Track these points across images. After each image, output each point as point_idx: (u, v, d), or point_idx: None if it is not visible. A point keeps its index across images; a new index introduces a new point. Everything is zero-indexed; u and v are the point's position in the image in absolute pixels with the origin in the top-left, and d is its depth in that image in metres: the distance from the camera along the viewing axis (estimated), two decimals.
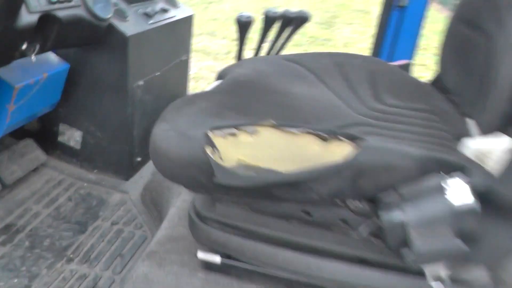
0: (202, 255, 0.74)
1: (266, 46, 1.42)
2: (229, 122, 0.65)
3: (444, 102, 0.90)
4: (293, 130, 0.64)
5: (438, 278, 0.58)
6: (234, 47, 2.55)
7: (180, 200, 1.01)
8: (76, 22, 1.02)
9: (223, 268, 0.77)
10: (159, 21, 1.36)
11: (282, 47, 1.39)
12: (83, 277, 1.04)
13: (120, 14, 1.21)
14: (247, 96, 0.77)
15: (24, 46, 0.93)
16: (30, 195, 1.28)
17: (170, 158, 0.63)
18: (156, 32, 1.33)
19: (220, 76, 0.91)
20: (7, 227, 1.16)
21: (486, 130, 0.64)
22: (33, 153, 1.34)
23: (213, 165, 0.60)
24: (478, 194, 0.54)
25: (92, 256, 1.10)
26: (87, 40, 1.15)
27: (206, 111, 0.70)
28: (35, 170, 1.36)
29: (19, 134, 1.38)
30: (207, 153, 0.60)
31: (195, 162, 0.61)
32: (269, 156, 0.61)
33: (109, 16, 1.11)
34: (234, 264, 0.74)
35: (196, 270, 0.80)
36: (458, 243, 0.53)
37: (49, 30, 0.97)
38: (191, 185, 0.66)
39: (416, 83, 1.00)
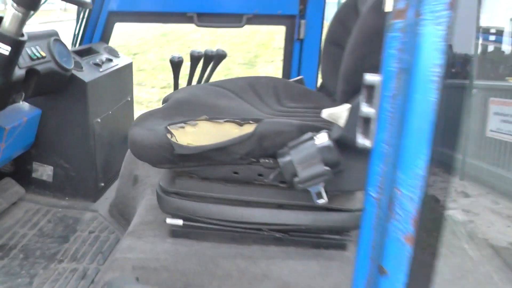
0: (169, 220, 1.06)
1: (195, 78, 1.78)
2: (179, 120, 1.00)
3: (329, 102, 1.29)
4: (219, 120, 1.00)
5: (320, 196, 0.93)
6: (164, 94, 2.88)
7: (145, 200, 1.32)
8: (49, 73, 1.33)
9: (185, 233, 1.09)
10: (107, 69, 1.69)
11: (208, 77, 1.76)
12: (74, 270, 1.31)
13: (77, 65, 1.53)
14: (187, 109, 1.12)
15: (14, 95, 1.23)
16: (15, 222, 1.53)
17: (144, 145, 0.97)
18: (106, 77, 1.66)
19: (165, 100, 1.26)
20: (1, 247, 1.40)
21: (340, 103, 1.01)
22: (13, 188, 1.60)
23: (172, 143, 0.94)
24: (335, 139, 0.90)
25: (78, 256, 1.37)
26: (56, 88, 1.46)
27: (162, 117, 1.05)
28: (15, 203, 1.62)
29: None
30: (168, 138, 0.95)
31: (161, 144, 0.95)
32: (205, 137, 0.96)
33: (71, 67, 1.44)
34: (193, 224, 1.06)
35: (165, 237, 1.11)
36: (324, 168, 0.88)
37: (31, 81, 1.27)
38: (159, 161, 0.99)
39: (307, 91, 1.39)
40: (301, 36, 1.93)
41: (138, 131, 1.01)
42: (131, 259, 1.02)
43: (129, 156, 1.49)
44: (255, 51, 6.79)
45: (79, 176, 1.65)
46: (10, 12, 1.08)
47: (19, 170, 1.67)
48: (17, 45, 1.10)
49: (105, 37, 1.87)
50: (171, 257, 1.01)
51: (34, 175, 1.66)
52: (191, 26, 1.92)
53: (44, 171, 1.66)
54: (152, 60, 6.30)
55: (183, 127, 0.98)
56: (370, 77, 0.49)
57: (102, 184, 1.70)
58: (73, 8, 1.77)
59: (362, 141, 0.51)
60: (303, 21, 1.84)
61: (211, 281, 0.96)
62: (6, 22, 1.08)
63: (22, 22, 1.09)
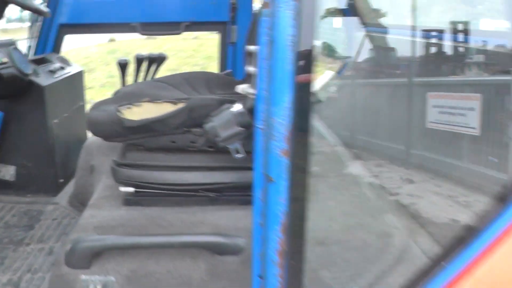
0: (122, 188, 1.27)
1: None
2: (126, 103, 1.22)
3: None
4: (159, 101, 1.23)
5: (237, 152, 1.15)
6: None
7: (102, 182, 1.51)
8: (10, 78, 1.51)
9: (137, 201, 1.30)
10: (60, 76, 1.88)
11: (152, 77, 2.00)
12: (42, 249, 1.48)
13: (34, 72, 1.72)
14: (132, 97, 1.34)
15: None
16: None
17: (98, 122, 1.19)
18: (60, 83, 1.85)
19: (114, 93, 1.47)
20: None
21: None
22: None
23: (121, 118, 1.17)
24: (248, 108, 1.13)
25: (44, 238, 1.54)
26: (16, 91, 1.63)
27: (113, 103, 1.27)
28: None
29: None
30: (118, 115, 1.17)
31: (112, 120, 1.18)
32: (147, 114, 1.19)
33: (30, 71, 1.62)
34: (143, 191, 1.27)
35: (120, 206, 1.31)
36: (239, 129, 1.11)
37: None
38: (111, 135, 1.21)
39: (234, 81, 1.64)
40: (233, 40, 2.19)
41: (94, 112, 1.25)
42: (92, 222, 1.22)
43: (85, 149, 1.68)
44: (202, 63, 7.00)
45: (40, 174, 1.82)
46: None
47: None
48: None
49: (57, 48, 2.06)
50: (125, 218, 1.22)
51: None
52: (139, 43, 2.13)
53: (7, 172, 1.82)
54: (99, 78, 6.42)
55: (130, 107, 1.21)
56: (252, 47, 0.74)
57: (62, 180, 1.87)
58: (13, 29, 1.96)
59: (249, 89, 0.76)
60: (234, 27, 2.10)
61: (157, 229, 1.18)
62: None
63: None
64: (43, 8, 1.55)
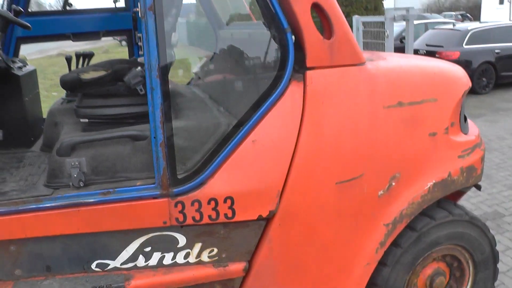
0: (82, 120, 2.33)
1: None
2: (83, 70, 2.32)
3: None
4: (99, 70, 2.33)
5: (142, 90, 2.27)
6: None
7: (65, 127, 2.55)
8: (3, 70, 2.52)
9: (90, 128, 2.36)
10: (26, 71, 2.88)
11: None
12: (33, 168, 2.50)
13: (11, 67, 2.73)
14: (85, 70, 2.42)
15: None
16: None
17: (68, 80, 2.26)
18: (27, 75, 2.85)
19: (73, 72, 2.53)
20: None
21: None
22: None
23: (81, 78, 2.26)
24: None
25: (32, 162, 2.56)
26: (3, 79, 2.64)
27: (74, 73, 2.35)
28: None
29: None
30: (80, 76, 2.26)
31: (76, 79, 2.26)
32: (93, 76, 2.29)
33: (13, 66, 2.64)
34: (92, 120, 2.34)
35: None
36: (140, 78, 2.22)
37: None
38: (75, 88, 2.29)
39: (137, 59, 2.75)
40: (138, 42, 3.30)
41: (66, 76, 2.30)
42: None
43: (49, 113, 2.70)
44: None
45: (19, 134, 2.81)
46: None
47: None
48: None
49: (16, 53, 3.06)
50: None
51: None
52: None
53: None
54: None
55: (84, 73, 2.29)
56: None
57: (33, 139, 2.88)
58: None
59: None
60: (136, 32, 3.21)
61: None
62: None
63: None
64: (25, 23, 2.56)
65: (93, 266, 2.00)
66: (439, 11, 35.32)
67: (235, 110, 2.17)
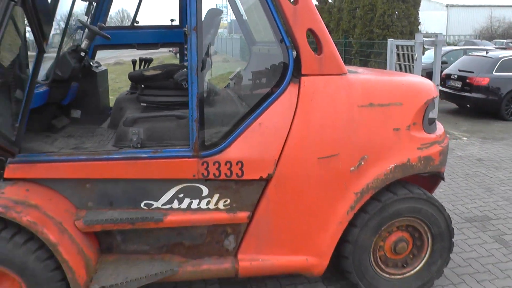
0: (142, 104, 3.22)
1: None
2: (145, 70, 3.22)
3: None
4: (156, 70, 3.22)
5: (185, 85, 3.11)
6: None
7: (127, 113, 3.45)
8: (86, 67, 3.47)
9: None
10: (100, 69, 3.83)
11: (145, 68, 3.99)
12: (98, 142, 3.41)
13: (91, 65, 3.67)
14: (148, 69, 3.31)
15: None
16: None
17: (135, 76, 3.17)
18: (101, 72, 3.80)
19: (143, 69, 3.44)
20: None
21: None
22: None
23: (144, 74, 3.15)
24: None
25: (103, 132, 3.47)
26: (85, 74, 3.58)
27: (141, 71, 3.26)
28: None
29: None
30: (143, 73, 3.16)
31: (141, 74, 3.16)
32: (152, 73, 3.19)
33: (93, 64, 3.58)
34: (151, 105, 3.22)
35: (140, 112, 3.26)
36: (184, 76, 3.09)
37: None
38: (139, 81, 3.18)
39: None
40: (185, 51, 4.19)
41: (133, 73, 3.21)
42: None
43: (116, 101, 3.61)
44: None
45: (93, 115, 3.73)
46: None
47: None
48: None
49: (93, 57, 4.02)
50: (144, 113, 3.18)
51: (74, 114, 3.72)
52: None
53: (76, 113, 3.72)
54: None
55: (146, 72, 3.18)
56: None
57: (102, 119, 3.80)
58: None
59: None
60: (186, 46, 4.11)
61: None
62: None
63: None
64: (106, 34, 3.51)
65: (142, 204, 2.86)
66: (491, 38, 35.06)
67: (250, 102, 2.99)
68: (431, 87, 3.17)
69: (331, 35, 8.20)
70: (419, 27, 10.48)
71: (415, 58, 8.27)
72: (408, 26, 10.42)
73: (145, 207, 2.86)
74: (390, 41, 9.61)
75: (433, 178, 3.43)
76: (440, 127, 3.35)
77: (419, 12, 11.09)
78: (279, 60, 2.87)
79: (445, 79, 10.86)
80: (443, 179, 3.34)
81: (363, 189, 2.90)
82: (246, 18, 4.06)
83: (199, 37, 2.66)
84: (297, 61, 2.80)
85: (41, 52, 2.78)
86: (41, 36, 2.68)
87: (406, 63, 9.00)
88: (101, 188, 2.83)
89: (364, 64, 11.24)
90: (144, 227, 2.82)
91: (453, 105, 11.47)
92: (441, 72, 10.81)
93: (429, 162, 3.04)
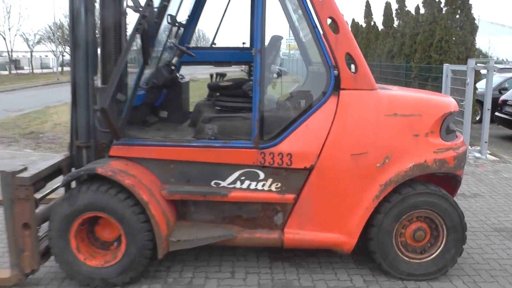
0: (217, 107, 4.14)
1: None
2: (221, 80, 4.15)
3: None
4: (228, 80, 4.14)
5: (250, 95, 3.98)
6: None
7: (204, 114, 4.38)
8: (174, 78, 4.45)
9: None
10: (184, 80, 4.81)
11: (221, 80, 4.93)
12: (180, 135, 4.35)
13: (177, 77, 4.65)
14: (224, 80, 4.24)
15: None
16: None
17: (212, 85, 4.11)
18: (184, 83, 4.78)
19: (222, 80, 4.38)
20: None
21: None
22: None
23: (219, 84, 4.08)
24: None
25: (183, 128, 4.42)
26: (172, 83, 4.55)
27: (218, 82, 4.19)
28: None
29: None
30: (219, 83, 4.09)
31: (216, 84, 4.10)
32: (226, 84, 4.11)
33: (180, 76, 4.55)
34: (225, 108, 4.13)
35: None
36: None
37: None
38: (215, 89, 4.12)
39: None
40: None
41: (211, 83, 4.14)
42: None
43: (196, 106, 4.56)
44: None
45: (176, 114, 4.70)
46: None
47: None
48: None
49: (178, 71, 5.00)
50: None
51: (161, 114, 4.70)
52: None
53: (163, 113, 4.69)
54: None
55: (221, 82, 4.10)
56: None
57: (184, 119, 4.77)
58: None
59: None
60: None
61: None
62: None
63: None
64: (191, 53, 4.48)
65: (212, 183, 3.74)
66: None
67: (301, 108, 3.81)
68: (450, 104, 3.85)
69: (393, 59, 9.29)
70: (490, 53, 10.85)
71: (467, 82, 8.75)
72: (464, 51, 10.84)
73: (214, 185, 3.74)
74: (445, 66, 10.11)
75: (453, 182, 4.07)
76: (459, 137, 4.01)
77: (492, 38, 11.42)
78: (325, 77, 3.68)
79: (502, 105, 11.14)
80: (460, 181, 3.98)
81: (387, 182, 3.62)
82: (304, 41, 4.90)
83: (262, 58, 3.54)
84: (338, 78, 3.60)
85: (145, 65, 3.76)
86: (147, 53, 3.66)
87: (460, 87, 9.44)
88: (181, 168, 3.75)
89: (422, 87, 11.73)
90: (212, 199, 3.70)
91: (510, 131, 11.68)
92: (499, 98, 11.14)
93: (444, 164, 3.71)
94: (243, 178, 3.70)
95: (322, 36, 3.56)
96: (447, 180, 3.99)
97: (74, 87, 3.80)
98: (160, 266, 4.04)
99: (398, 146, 3.63)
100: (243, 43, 5.15)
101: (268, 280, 3.83)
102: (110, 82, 3.48)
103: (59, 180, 3.88)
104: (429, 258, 3.87)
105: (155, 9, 3.74)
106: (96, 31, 3.91)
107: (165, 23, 4.15)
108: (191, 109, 4.77)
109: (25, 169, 3.62)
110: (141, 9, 3.41)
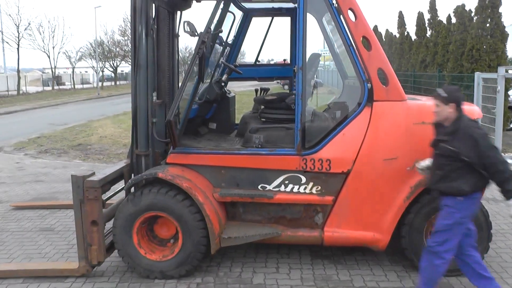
0: (262, 119, 4.62)
1: None
2: (267, 94, 4.64)
3: None
4: (271, 95, 4.62)
5: (293, 107, 4.44)
6: None
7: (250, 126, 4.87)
8: (223, 93, 4.96)
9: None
10: (231, 95, 5.32)
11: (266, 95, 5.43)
12: (230, 144, 4.84)
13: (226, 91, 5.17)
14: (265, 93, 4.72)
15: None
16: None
17: (258, 99, 4.61)
18: (232, 97, 5.29)
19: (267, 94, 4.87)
20: None
21: None
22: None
23: (263, 98, 4.57)
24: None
25: (230, 139, 4.91)
26: (221, 97, 5.07)
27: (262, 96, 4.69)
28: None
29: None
30: (265, 97, 4.58)
31: (261, 98, 4.59)
32: (270, 97, 4.60)
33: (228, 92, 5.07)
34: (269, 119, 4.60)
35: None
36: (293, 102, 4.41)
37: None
38: (261, 103, 4.60)
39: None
40: (293, 84, 5.56)
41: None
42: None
43: (242, 118, 5.04)
44: None
45: (224, 126, 5.21)
46: None
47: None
48: None
49: (226, 86, 5.52)
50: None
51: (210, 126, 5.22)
52: None
53: (212, 125, 5.19)
54: None
55: (267, 95, 4.58)
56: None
57: (231, 131, 5.27)
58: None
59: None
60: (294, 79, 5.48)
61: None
62: None
63: None
64: (239, 70, 4.98)
65: (259, 186, 4.21)
66: None
67: (338, 119, 4.24)
68: (473, 111, 4.20)
69: (427, 69, 9.56)
70: None
71: (497, 90, 8.98)
72: (495, 59, 11.02)
73: (261, 189, 4.21)
74: (477, 75, 10.31)
75: None
76: None
77: None
78: (359, 90, 4.11)
79: None
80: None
81: (416, 184, 4.00)
82: (340, 57, 5.34)
83: (303, 74, 4.00)
84: (371, 91, 4.02)
85: (199, 82, 4.28)
86: (202, 73, 4.18)
87: (492, 95, 9.64)
88: (231, 174, 4.23)
89: None
90: (260, 201, 4.16)
91: None
92: None
93: None
94: (287, 182, 4.14)
95: (356, 53, 3.99)
96: None
97: (135, 102, 4.32)
98: (211, 262, 4.51)
99: (426, 151, 4.00)
100: (284, 60, 5.65)
101: (309, 275, 4.25)
102: (175, 98, 4.01)
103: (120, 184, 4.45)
104: None
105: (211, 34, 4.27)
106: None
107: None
108: (237, 121, 5.26)
109: (93, 173, 4.17)
110: (197, 34, 3.93)
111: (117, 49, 51.76)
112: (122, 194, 4.64)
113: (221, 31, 4.46)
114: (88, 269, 4.17)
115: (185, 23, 4.17)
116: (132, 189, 4.34)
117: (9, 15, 34.25)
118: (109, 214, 4.32)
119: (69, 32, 56.39)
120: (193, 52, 3.87)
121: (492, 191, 6.72)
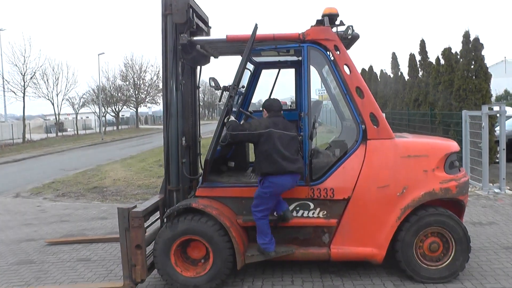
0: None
1: None
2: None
3: None
4: None
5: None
6: None
7: None
8: None
9: None
10: None
11: None
12: (248, 179, 5.74)
13: None
14: None
15: None
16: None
17: None
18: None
19: None
20: None
21: None
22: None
23: None
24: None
25: (248, 174, 5.80)
26: None
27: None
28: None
29: None
30: None
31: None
32: None
33: None
34: None
35: None
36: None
37: None
38: None
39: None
40: (300, 125, 6.50)
41: None
42: None
43: None
44: None
45: (240, 164, 6.11)
46: None
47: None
48: None
49: None
50: None
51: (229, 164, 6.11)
52: None
53: (231, 164, 6.07)
54: None
55: None
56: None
57: (250, 168, 6.16)
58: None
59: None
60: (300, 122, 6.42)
61: None
62: None
63: None
64: (254, 117, 5.94)
65: (275, 213, 5.08)
66: None
67: (338, 155, 5.14)
68: (451, 146, 5.14)
69: (420, 107, 10.58)
70: None
71: (482, 126, 9.93)
72: (480, 98, 12.02)
73: (275, 215, 5.07)
74: (464, 112, 11.21)
75: (458, 207, 5.27)
76: (462, 171, 5.26)
77: None
78: (355, 131, 5.04)
79: None
80: (464, 205, 5.20)
81: (405, 206, 4.88)
82: (339, 103, 6.28)
83: (309, 118, 4.94)
84: (365, 131, 4.96)
85: (223, 128, 5.20)
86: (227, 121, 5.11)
87: (478, 131, 10.52)
88: (250, 203, 5.06)
89: (446, 132, 12.83)
90: (276, 225, 5.02)
91: None
92: None
93: (448, 192, 4.96)
94: (298, 208, 5.02)
95: (351, 100, 4.94)
96: (454, 204, 5.20)
97: (168, 146, 5.20)
98: (235, 278, 5.32)
99: (412, 179, 4.91)
100: (290, 105, 6.58)
101: (320, 286, 5.06)
102: (212, 142, 4.91)
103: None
104: (443, 265, 5.00)
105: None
106: None
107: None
108: (251, 159, 6.14)
109: (135, 206, 5.03)
110: (220, 87, 4.89)
111: (119, 94, 53.21)
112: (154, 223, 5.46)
113: (244, 87, 5.40)
114: (132, 287, 4.94)
115: (210, 79, 5.14)
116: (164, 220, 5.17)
117: (15, 64, 34.98)
118: (148, 239, 5.15)
119: (73, 79, 57.40)
120: (222, 105, 4.80)
121: (478, 215, 7.59)
